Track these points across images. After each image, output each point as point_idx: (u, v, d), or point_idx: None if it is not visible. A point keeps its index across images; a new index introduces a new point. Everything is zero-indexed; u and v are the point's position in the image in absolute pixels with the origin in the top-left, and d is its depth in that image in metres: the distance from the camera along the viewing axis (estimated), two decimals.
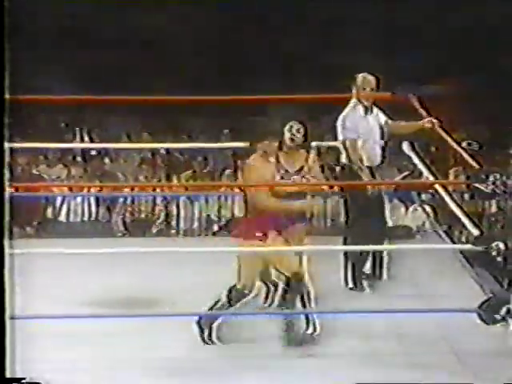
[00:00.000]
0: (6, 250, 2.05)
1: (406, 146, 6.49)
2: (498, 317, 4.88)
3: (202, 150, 10.92)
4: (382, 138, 6.18)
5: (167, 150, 11.34)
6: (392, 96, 6.69)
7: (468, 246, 5.02)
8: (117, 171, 11.23)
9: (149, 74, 11.23)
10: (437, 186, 6.19)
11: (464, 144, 5.79)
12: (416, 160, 6.42)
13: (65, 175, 11.12)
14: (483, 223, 8.30)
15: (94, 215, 10.57)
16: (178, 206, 10.44)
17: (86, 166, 11.29)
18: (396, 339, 5.31)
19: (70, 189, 10.48)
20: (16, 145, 6.55)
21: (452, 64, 10.57)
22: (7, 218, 2.08)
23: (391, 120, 6.25)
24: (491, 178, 5.11)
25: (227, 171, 10.62)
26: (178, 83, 9.52)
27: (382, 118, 6.20)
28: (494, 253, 4.90)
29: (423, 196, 8.08)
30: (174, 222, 10.43)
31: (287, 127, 5.73)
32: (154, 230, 10.46)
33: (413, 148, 6.47)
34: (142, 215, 10.55)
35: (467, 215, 5.65)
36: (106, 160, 11.43)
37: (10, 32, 1.96)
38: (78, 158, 11.37)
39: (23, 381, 2.39)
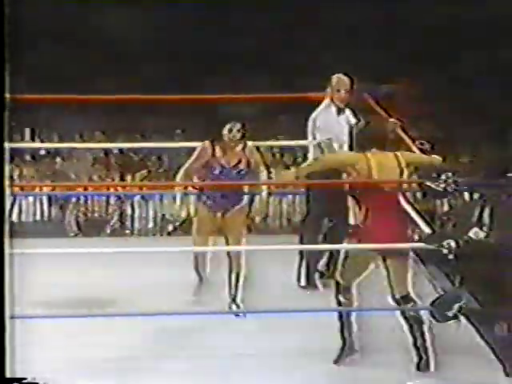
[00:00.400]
0: (7, 250, 2.04)
1: None
2: (449, 314, 4.93)
3: (157, 149, 10.89)
4: (351, 139, 6.18)
5: (120, 150, 11.28)
6: None
7: (420, 245, 5.06)
8: (69, 171, 11.15)
9: (101, 74, 11.15)
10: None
11: (417, 143, 5.83)
12: None
13: (16, 175, 11.01)
14: (435, 222, 8.38)
15: (46, 215, 10.49)
16: (132, 206, 10.39)
17: (38, 166, 11.19)
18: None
19: (22, 188, 10.38)
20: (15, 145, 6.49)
21: (408, 64, 10.65)
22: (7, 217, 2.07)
23: (360, 122, 6.24)
24: (443, 177, 5.15)
25: None
26: (129, 83, 9.48)
27: (352, 120, 6.22)
28: (445, 251, 4.95)
29: None
30: (128, 222, 10.38)
31: (227, 128, 5.80)
32: (108, 230, 10.41)
33: None
34: (96, 215, 10.49)
35: (419, 214, 5.71)
36: (58, 159, 11.34)
37: None
38: (28, 158, 11.27)
39: (23, 381, 2.38)
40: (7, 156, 2.09)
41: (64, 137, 11.39)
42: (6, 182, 2.09)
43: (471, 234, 5.43)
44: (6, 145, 2.08)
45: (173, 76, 10.94)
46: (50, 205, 10.46)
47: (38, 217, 10.46)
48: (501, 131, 10.56)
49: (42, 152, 11.42)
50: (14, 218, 10.42)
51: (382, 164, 5.03)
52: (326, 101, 6.18)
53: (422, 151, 5.63)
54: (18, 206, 10.46)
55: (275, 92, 7.48)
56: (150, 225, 10.35)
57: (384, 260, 5.04)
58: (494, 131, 10.69)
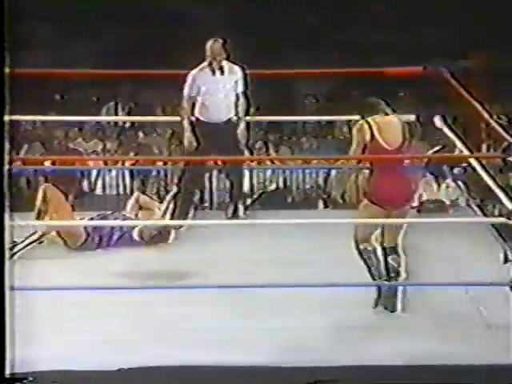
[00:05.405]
0: (7, 223, 2.06)
1: (437, 120, 6.48)
2: None
3: None
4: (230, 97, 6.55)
5: None
6: (424, 70, 6.70)
7: (501, 220, 5.01)
8: (151, 144, 11.30)
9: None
10: (471, 160, 6.19)
11: (494, 118, 5.79)
12: (449, 134, 6.41)
13: (100, 149, 11.21)
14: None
15: (128, 189, 10.63)
16: None
17: (121, 140, 11.37)
18: (427, 312, 5.36)
19: (105, 163, 10.55)
20: (16, 117, 6.75)
21: (483, 38, 10.43)
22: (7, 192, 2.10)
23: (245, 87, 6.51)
24: None
25: None
26: None
27: (236, 81, 6.52)
28: None
29: (455, 170, 8.03)
30: None
31: None
32: None
33: (445, 122, 6.46)
34: None
35: (502, 189, 5.65)
36: (140, 133, 11.48)
37: None
38: (109, 132, 11.45)
39: (23, 381, 2.38)
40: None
41: (146, 110, 11.46)
42: (6, 161, 2.14)
43: None
44: (6, 118, 2.13)
45: None
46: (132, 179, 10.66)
47: (121, 190, 10.66)
48: None
49: (127, 125, 11.60)
50: (98, 191, 10.64)
51: (384, 126, 5.32)
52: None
53: (500, 125, 5.61)
54: (102, 180, 10.67)
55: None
56: None
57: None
58: None
